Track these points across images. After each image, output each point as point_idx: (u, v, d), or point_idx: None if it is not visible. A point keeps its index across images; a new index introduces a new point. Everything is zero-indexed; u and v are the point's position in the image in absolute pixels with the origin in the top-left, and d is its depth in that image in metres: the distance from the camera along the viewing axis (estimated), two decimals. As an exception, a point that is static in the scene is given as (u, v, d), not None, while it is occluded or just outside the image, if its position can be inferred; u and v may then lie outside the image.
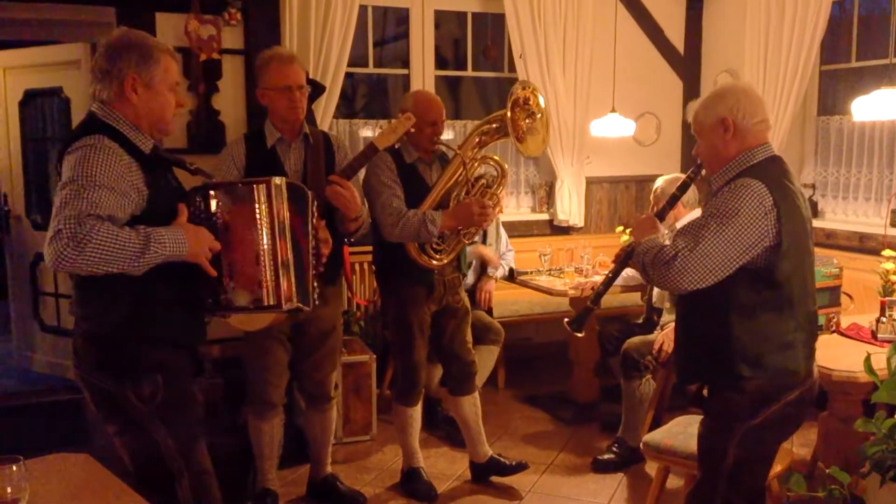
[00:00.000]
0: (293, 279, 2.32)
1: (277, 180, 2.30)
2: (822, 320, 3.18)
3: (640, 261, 2.42)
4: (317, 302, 2.52)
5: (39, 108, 5.12)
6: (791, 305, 2.28)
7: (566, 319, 3.01)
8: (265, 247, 2.24)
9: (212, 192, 2.26)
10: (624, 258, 2.68)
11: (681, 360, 2.50)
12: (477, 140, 3.41)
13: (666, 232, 2.48)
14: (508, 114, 3.31)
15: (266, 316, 2.80)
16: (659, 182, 4.06)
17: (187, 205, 2.21)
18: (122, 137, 2.14)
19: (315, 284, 2.50)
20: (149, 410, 2.17)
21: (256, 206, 2.24)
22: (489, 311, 4.72)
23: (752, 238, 2.20)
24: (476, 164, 3.43)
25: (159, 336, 2.20)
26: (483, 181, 3.44)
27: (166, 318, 2.20)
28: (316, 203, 2.54)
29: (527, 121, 3.39)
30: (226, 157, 3.18)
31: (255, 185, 2.25)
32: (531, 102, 3.40)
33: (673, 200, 2.63)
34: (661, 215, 2.59)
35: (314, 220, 2.51)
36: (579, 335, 2.99)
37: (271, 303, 2.27)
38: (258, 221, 2.24)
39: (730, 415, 2.33)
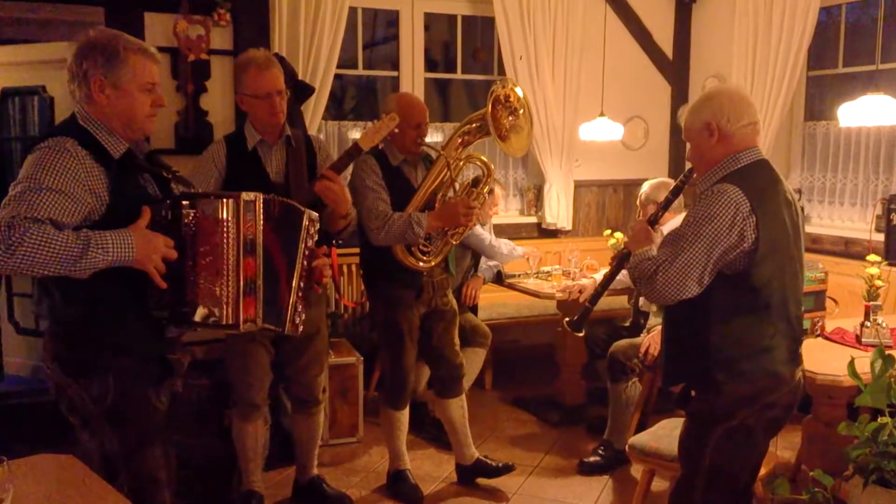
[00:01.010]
0: (260, 300, 2.23)
1: (248, 196, 2.21)
2: (807, 324, 3.19)
3: (630, 275, 2.46)
4: (300, 327, 2.39)
5: (18, 106, 5.02)
6: (768, 310, 2.29)
7: (566, 319, 3.06)
8: (229, 263, 2.15)
9: (183, 202, 2.17)
10: (620, 260, 2.70)
11: (665, 362, 2.52)
12: (459, 140, 3.40)
13: (659, 238, 2.50)
14: (489, 109, 3.31)
15: None
16: (644, 187, 4.07)
17: (153, 211, 2.13)
18: (93, 141, 2.11)
19: (300, 308, 2.37)
20: (98, 411, 2.15)
21: (223, 220, 2.15)
22: (473, 310, 4.71)
23: (727, 243, 2.21)
24: (461, 165, 3.43)
25: (112, 341, 2.15)
26: (468, 181, 3.44)
27: (120, 323, 2.15)
28: (316, 226, 2.42)
29: (510, 118, 3.39)
30: (206, 159, 3.15)
31: (222, 199, 2.17)
32: (512, 98, 3.39)
33: (667, 204, 2.65)
34: (653, 221, 2.60)
35: (309, 242, 2.39)
36: (580, 335, 3.06)
37: (229, 322, 2.17)
38: (224, 236, 2.15)
39: (705, 416, 2.36)
